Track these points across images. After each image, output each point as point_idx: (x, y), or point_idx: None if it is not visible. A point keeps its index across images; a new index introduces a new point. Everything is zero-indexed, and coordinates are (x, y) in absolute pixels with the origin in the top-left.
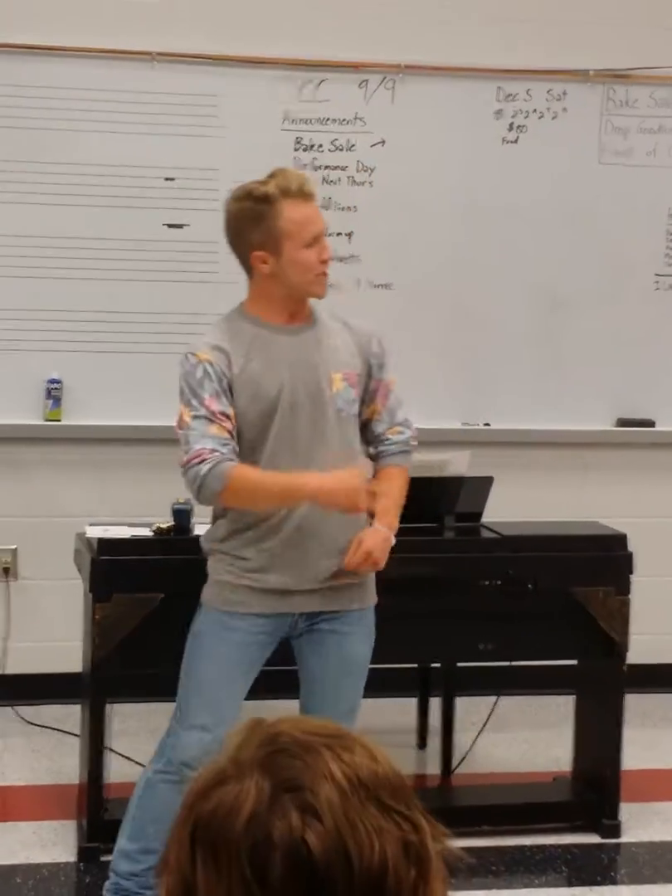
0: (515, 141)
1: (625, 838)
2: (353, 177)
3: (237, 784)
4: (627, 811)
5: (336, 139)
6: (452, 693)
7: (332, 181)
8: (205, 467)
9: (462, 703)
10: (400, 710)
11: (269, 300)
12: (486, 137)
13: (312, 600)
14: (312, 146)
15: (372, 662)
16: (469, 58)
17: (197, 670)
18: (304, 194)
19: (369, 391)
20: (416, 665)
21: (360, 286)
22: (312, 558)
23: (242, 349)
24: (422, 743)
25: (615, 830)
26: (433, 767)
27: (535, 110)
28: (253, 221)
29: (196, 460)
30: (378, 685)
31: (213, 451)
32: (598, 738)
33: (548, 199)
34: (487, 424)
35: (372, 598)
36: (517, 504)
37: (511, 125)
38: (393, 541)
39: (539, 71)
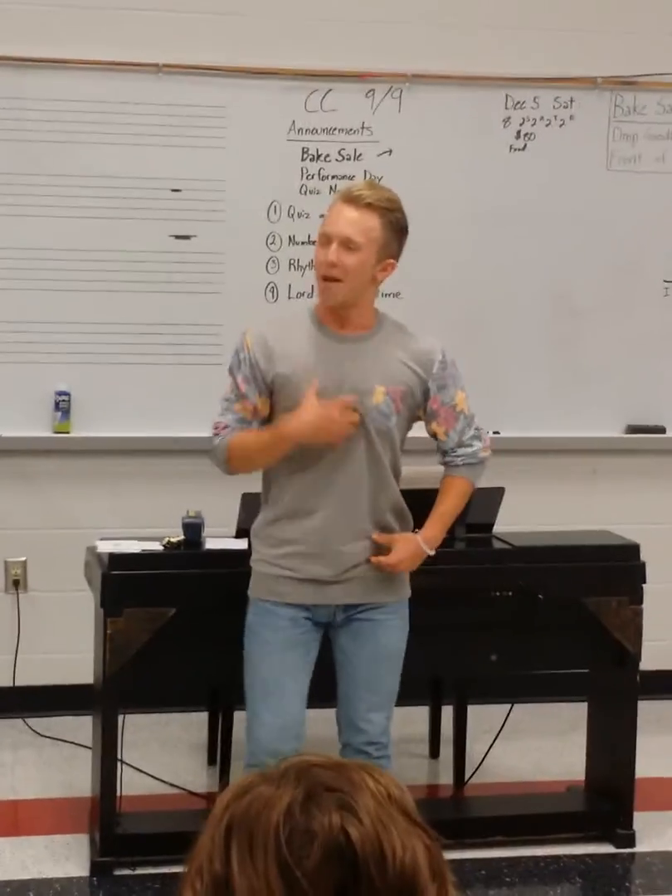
0: (523, 148)
1: (640, 848)
2: None
3: (272, 786)
4: (642, 820)
5: (343, 149)
6: (465, 703)
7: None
8: (216, 440)
9: (474, 711)
10: (412, 719)
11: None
12: (494, 145)
13: (348, 590)
14: (319, 156)
15: None
16: (476, 66)
17: (255, 662)
18: (347, 196)
19: (431, 410)
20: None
21: None
22: (338, 546)
23: (289, 347)
24: (434, 752)
25: (630, 840)
26: (446, 777)
27: (542, 118)
28: None
29: (214, 432)
30: None
31: (226, 426)
32: (612, 747)
33: (556, 207)
34: (497, 432)
35: (406, 591)
36: (527, 512)
37: (519, 133)
38: (431, 552)
39: (546, 79)
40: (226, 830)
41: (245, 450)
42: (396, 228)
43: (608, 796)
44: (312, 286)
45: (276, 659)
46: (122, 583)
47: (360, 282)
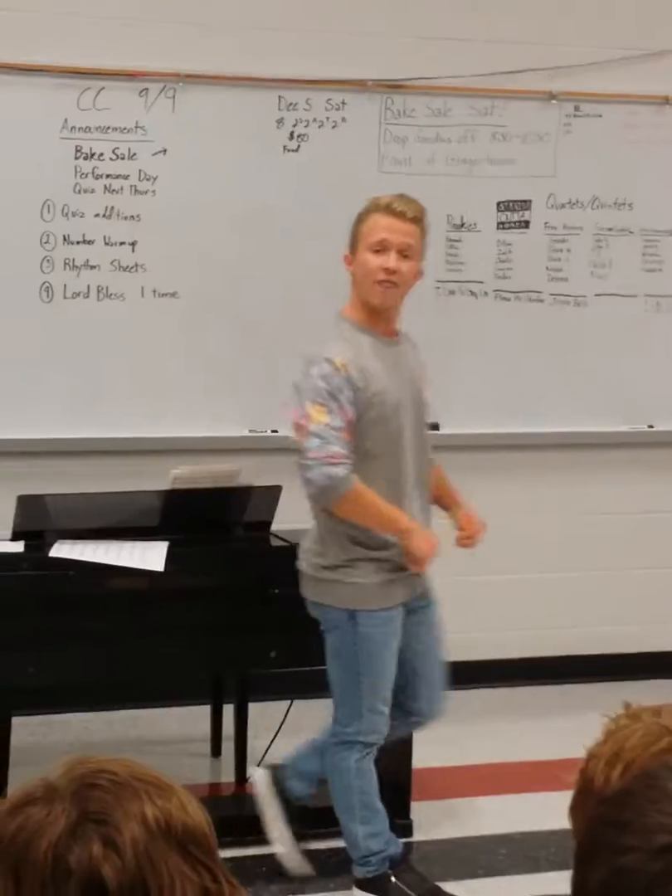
0: (297, 149)
1: (417, 836)
2: (135, 186)
3: (45, 808)
4: (419, 810)
5: (117, 147)
6: (246, 700)
7: (114, 190)
8: (342, 471)
9: (256, 709)
10: (193, 718)
11: (360, 308)
12: (268, 146)
13: (418, 582)
14: (93, 155)
15: (163, 672)
16: (249, 67)
17: (376, 663)
18: (391, 211)
19: None
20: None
21: (144, 295)
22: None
23: (365, 360)
24: (216, 751)
25: (408, 829)
26: (228, 775)
27: (315, 119)
28: (353, 227)
29: (334, 460)
30: (171, 693)
31: (347, 458)
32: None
33: (330, 207)
34: (275, 431)
35: None
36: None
37: (292, 134)
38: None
39: (318, 80)
40: None
41: (365, 507)
42: (426, 237)
43: (388, 786)
44: (89, 286)
45: (392, 657)
46: None
47: (409, 287)
